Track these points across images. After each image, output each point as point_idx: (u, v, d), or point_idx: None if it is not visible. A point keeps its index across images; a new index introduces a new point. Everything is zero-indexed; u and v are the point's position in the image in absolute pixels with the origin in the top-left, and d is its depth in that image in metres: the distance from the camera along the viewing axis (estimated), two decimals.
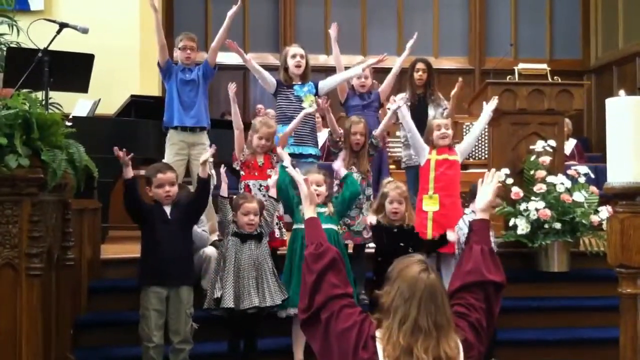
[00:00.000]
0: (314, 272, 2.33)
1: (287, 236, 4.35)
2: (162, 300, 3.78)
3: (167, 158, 4.89)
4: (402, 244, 4.10)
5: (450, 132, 4.67)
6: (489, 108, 4.77)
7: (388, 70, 5.55)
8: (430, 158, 4.65)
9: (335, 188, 4.22)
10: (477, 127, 4.85)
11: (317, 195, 3.99)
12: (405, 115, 4.77)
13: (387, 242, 4.09)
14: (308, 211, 2.57)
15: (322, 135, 6.62)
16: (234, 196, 4.15)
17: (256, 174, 4.40)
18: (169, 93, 5.05)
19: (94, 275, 4.47)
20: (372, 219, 4.17)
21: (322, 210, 4.02)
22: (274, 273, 3.95)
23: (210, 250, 4.35)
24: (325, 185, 4.04)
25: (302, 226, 3.98)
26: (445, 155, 4.63)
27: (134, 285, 3.91)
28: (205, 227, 4.44)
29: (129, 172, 3.86)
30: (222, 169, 4.05)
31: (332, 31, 5.26)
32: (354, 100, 5.31)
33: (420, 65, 5.62)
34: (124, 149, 3.86)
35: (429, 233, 4.46)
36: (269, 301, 3.85)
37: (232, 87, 4.45)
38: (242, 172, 4.44)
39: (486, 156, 7.42)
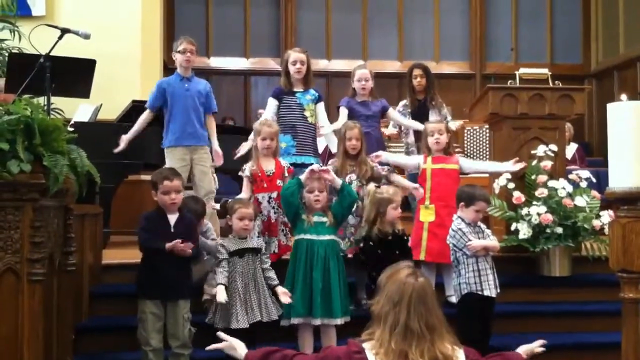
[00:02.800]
0: None
1: (291, 242, 4.29)
2: (159, 305, 3.77)
3: (169, 164, 4.82)
4: (397, 252, 4.06)
5: (443, 137, 4.62)
6: (510, 167, 4.69)
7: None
8: (426, 168, 4.63)
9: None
10: (490, 167, 5.10)
11: (318, 201, 4.01)
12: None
13: (383, 253, 4.03)
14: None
15: (321, 142, 6.60)
16: (229, 200, 4.14)
17: (265, 185, 4.27)
18: (168, 114, 4.91)
19: (95, 280, 4.47)
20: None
21: (324, 219, 4.02)
22: (268, 287, 3.94)
23: None
24: (326, 191, 4.04)
25: (304, 236, 4.00)
26: (442, 165, 4.62)
27: (135, 290, 3.89)
28: (214, 235, 4.37)
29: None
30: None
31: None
32: (358, 108, 5.19)
33: (417, 72, 5.58)
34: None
35: (424, 244, 4.46)
36: (266, 317, 3.85)
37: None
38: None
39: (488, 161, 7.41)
